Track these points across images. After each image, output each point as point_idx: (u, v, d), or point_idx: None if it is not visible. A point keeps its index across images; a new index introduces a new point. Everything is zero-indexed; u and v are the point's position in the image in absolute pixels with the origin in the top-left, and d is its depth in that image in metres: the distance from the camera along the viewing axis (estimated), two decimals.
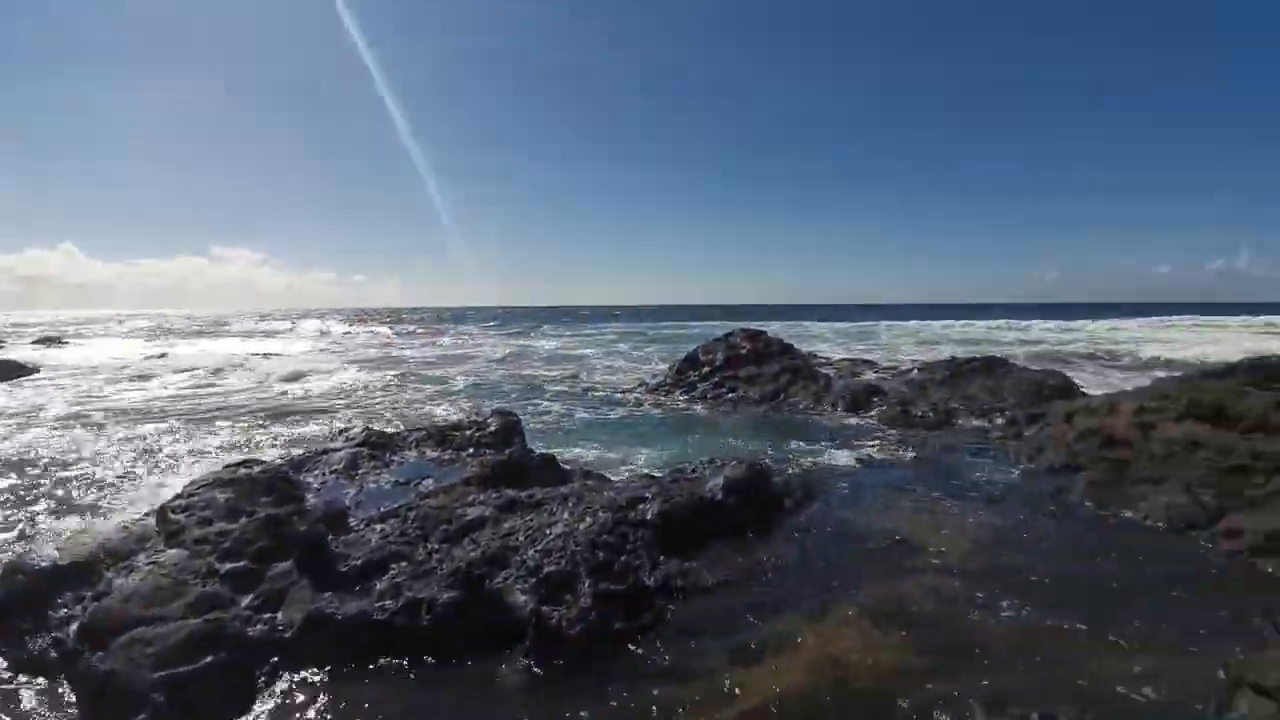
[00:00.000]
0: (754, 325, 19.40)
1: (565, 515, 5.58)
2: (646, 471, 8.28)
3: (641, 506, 5.82)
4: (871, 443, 10.16)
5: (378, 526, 5.84)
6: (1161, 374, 16.50)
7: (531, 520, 5.64)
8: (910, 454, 9.36)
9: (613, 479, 7.72)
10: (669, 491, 6.24)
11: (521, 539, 5.29)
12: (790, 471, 8.09)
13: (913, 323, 57.42)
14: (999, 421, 11.01)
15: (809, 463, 8.95)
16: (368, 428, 9.69)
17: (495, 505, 6.05)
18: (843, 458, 9.22)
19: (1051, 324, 50.17)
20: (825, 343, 34.33)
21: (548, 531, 5.30)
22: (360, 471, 7.67)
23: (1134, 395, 8.92)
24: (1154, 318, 55.78)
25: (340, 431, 9.97)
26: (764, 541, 6.08)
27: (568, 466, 8.34)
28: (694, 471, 7.31)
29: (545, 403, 15.76)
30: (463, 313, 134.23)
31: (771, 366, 14.63)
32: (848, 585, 5.10)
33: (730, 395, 14.31)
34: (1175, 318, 54.80)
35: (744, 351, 15.49)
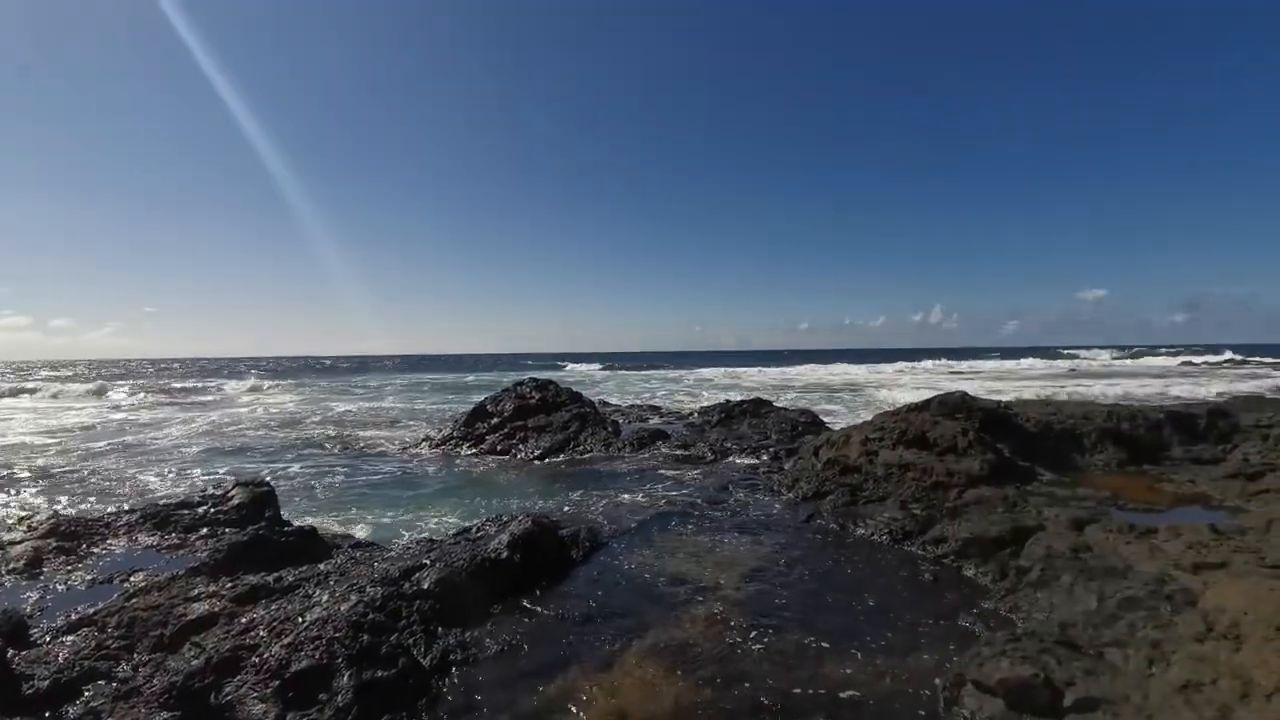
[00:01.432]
0: (543, 374, 19.50)
1: (324, 597, 4.89)
2: (428, 535, 7.67)
3: (418, 575, 5.35)
4: (657, 485, 10.63)
5: (68, 638, 4.61)
6: (886, 408, 19.97)
7: (279, 609, 4.84)
8: (690, 493, 9.96)
9: (388, 548, 7.01)
10: (450, 555, 5.84)
11: (264, 634, 4.49)
12: (581, 521, 8.09)
13: (708, 370, 62.37)
14: (764, 457, 12.29)
15: (598, 510, 9.06)
16: (56, 513, 7.66)
17: (230, 597, 5.10)
18: (630, 502, 9.50)
19: (805, 368, 58.85)
20: (615, 390, 35.77)
21: (300, 619, 4.58)
22: (45, 570, 6.06)
23: (861, 428, 10.58)
24: (877, 364, 67.71)
25: (21, 520, 7.79)
26: (552, 597, 5.95)
27: (336, 539, 7.41)
28: (479, 531, 6.98)
29: (311, 464, 13.97)
30: (220, 364, 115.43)
31: (561, 415, 14.73)
32: (633, 632, 5.16)
33: (521, 446, 14.06)
34: (890, 365, 67.00)
35: (533, 401, 15.41)
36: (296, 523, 7.85)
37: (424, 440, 16.13)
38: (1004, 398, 15.21)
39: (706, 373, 54.45)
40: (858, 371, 53.15)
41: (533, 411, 15.09)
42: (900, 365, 62.02)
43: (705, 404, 22.21)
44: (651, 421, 18.56)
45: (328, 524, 9.06)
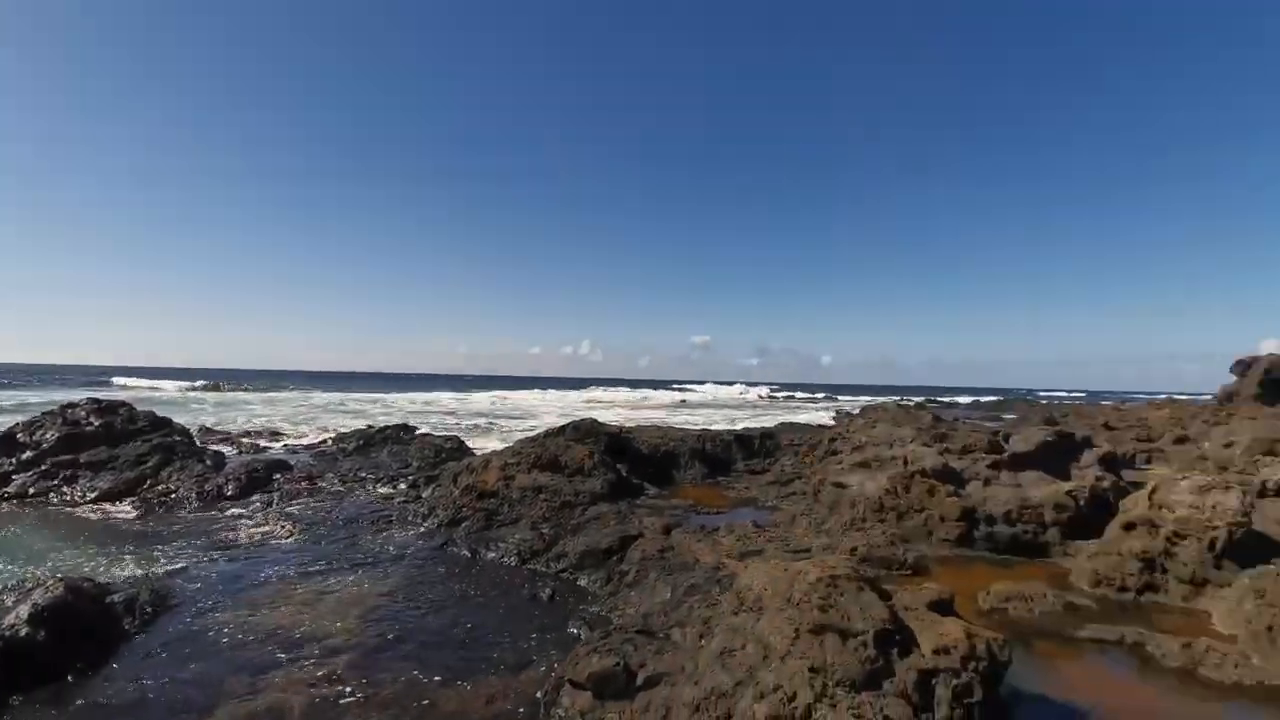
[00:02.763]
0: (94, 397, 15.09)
1: None
2: None
3: None
4: (265, 527, 9.13)
5: None
6: (537, 426, 21.03)
7: None
8: (309, 532, 8.83)
9: None
10: None
11: None
12: (142, 581, 6.42)
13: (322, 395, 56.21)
14: (402, 486, 11.69)
15: (180, 562, 7.33)
16: None
17: None
18: (224, 550, 7.93)
19: (463, 394, 58.45)
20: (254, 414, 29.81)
21: None
22: None
23: (502, 453, 10.94)
24: (535, 389, 71.30)
25: None
26: (92, 682, 4.62)
27: None
28: None
29: None
30: None
31: (134, 446, 11.56)
32: (205, 706, 4.28)
33: (67, 488, 10.57)
34: (549, 391, 71.32)
35: (91, 428, 11.79)
36: None
37: None
38: (628, 424, 17.57)
39: (350, 397, 49.61)
40: (518, 396, 55.10)
41: (90, 442, 11.48)
42: (556, 391, 66.48)
43: (343, 430, 20.18)
44: (272, 450, 16.02)
45: None
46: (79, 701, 4.33)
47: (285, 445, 17.56)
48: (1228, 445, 12.80)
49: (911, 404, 39.38)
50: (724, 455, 14.96)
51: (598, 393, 70.37)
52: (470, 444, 17.09)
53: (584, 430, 13.51)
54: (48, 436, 11.44)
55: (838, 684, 3.68)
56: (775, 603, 4.46)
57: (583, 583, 7.15)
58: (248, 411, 32.05)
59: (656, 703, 4.00)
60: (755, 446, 16.21)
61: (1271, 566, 5.85)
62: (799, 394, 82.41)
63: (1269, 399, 26.80)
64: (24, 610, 4.85)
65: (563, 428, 13.67)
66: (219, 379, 65.93)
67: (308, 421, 27.72)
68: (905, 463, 9.79)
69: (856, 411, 30.15)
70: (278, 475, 11.80)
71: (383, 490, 11.56)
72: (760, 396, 73.43)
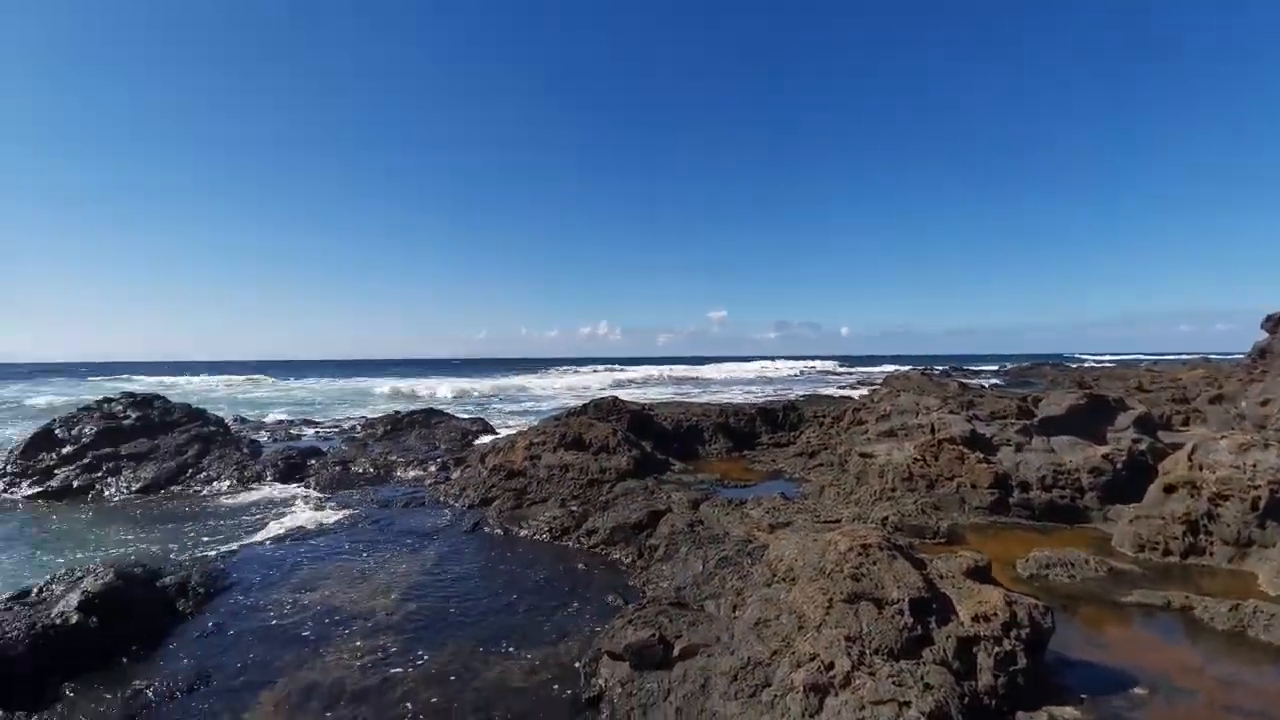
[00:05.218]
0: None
1: None
2: None
3: None
4: (305, 510, 9.36)
5: None
6: (557, 407, 21.18)
7: None
8: (348, 515, 9.03)
9: None
10: None
11: None
12: (193, 564, 6.63)
13: (367, 380, 57.13)
14: (432, 469, 11.87)
15: (225, 548, 7.56)
16: None
17: None
18: (268, 534, 8.15)
19: (484, 378, 59.20)
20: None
21: None
22: None
23: (526, 433, 11.04)
24: (552, 370, 71.82)
25: None
26: (148, 663, 4.80)
27: None
28: (40, 593, 5.26)
29: None
30: None
31: (174, 437, 11.88)
32: (260, 684, 4.43)
33: (110, 480, 10.91)
34: (562, 369, 71.79)
35: (129, 422, 12.11)
36: None
37: None
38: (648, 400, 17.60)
39: (374, 382, 50.38)
40: (536, 379, 55.48)
41: (129, 435, 11.81)
42: (577, 368, 66.84)
43: (371, 415, 20.52)
44: (305, 438, 16.36)
45: None
46: (136, 682, 4.48)
47: (317, 432, 17.93)
48: (1264, 403, 12.41)
49: (936, 372, 38.87)
50: (748, 429, 14.92)
51: (616, 372, 70.56)
52: (493, 425, 17.28)
53: (605, 408, 13.56)
54: (86, 431, 11.78)
55: (875, 652, 3.68)
56: (808, 573, 4.45)
57: (614, 557, 7.22)
58: (278, 401, 32.77)
59: (694, 673, 4.04)
60: (779, 419, 16.14)
61: None
62: (819, 365, 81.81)
63: None
64: (74, 598, 4.97)
65: (584, 407, 13.73)
66: (248, 372, 67.42)
67: (336, 408, 28.26)
68: (933, 430, 9.67)
69: (879, 382, 29.86)
70: (312, 461, 12.05)
71: (413, 473, 11.75)
72: (780, 370, 73.01)
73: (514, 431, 13.41)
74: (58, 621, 4.79)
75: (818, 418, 16.71)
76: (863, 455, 9.72)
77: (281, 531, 8.23)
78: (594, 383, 47.04)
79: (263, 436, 16.35)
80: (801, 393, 29.22)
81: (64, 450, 11.47)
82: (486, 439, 14.27)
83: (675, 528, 7.14)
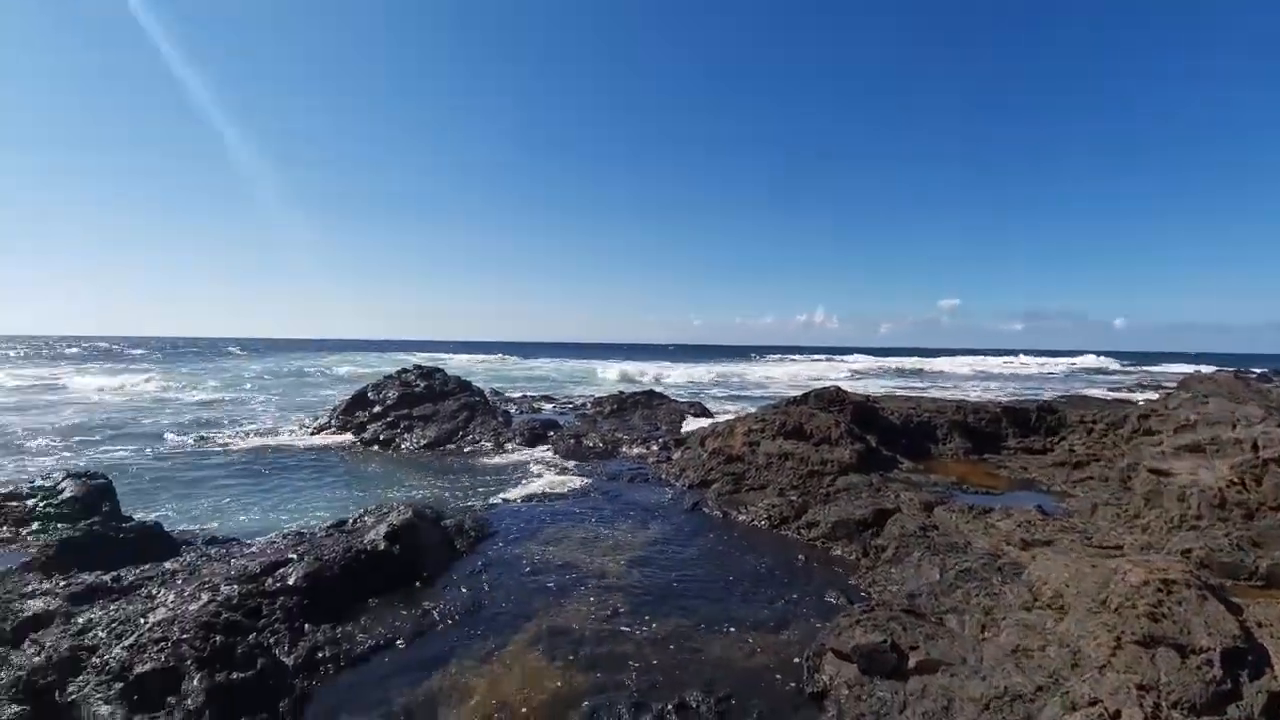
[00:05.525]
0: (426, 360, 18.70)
1: (170, 597, 4.44)
2: (297, 529, 7.16)
3: (282, 571, 4.98)
4: (548, 475, 10.56)
5: None
6: (770, 395, 21.00)
7: (118, 609, 4.34)
8: (582, 483, 9.98)
9: (249, 544, 6.47)
10: (321, 549, 5.48)
11: (103, 634, 4.02)
12: (467, 512, 7.88)
13: (600, 363, 62.42)
14: (654, 448, 12.54)
15: (487, 500, 8.87)
16: None
17: (65, 595, 4.53)
18: (519, 492, 9.37)
19: (704, 365, 61.06)
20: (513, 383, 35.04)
21: (142, 620, 4.13)
22: None
23: (744, 419, 11.07)
24: (768, 357, 71.22)
25: None
26: (433, 589, 5.76)
27: (185, 535, 6.75)
28: (355, 524, 6.62)
29: (162, 455, 12.58)
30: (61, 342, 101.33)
31: (449, 404, 14.23)
32: (518, 620, 5.11)
33: (405, 435, 13.44)
34: (777, 356, 70.70)
35: (419, 389, 14.77)
36: (143, 517, 7.07)
37: (298, 428, 15.02)
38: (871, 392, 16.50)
39: (600, 365, 54.73)
40: (748, 367, 55.53)
41: (418, 400, 14.45)
42: (792, 356, 65.50)
43: (598, 394, 22.33)
44: (544, 412, 18.38)
45: (178, 519, 8.25)
46: (425, 604, 5.43)
47: (554, 407, 20.05)
48: None
49: (1253, 375, 30.59)
50: (990, 430, 13.20)
51: (834, 361, 67.40)
52: (710, 409, 17.65)
53: (827, 398, 13.00)
54: (389, 395, 14.66)
55: (1173, 705, 3.05)
56: (1083, 603, 3.84)
57: (836, 553, 6.96)
58: (519, 378, 37.24)
59: (934, 690, 3.73)
60: (1031, 421, 14.00)
61: None
62: (1080, 362, 69.26)
63: None
64: (382, 529, 6.06)
65: (805, 395, 13.31)
66: (495, 351, 78.32)
67: (567, 386, 31.27)
68: (1255, 448, 7.61)
69: (1175, 386, 24.32)
70: (551, 432, 13.54)
71: (637, 450, 12.54)
72: (1028, 365, 63.42)
73: (730, 417, 13.56)
74: (368, 547, 5.70)
75: (1084, 423, 14.19)
76: (1154, 472, 8.02)
77: (528, 492, 9.39)
78: (810, 372, 45.62)
79: (510, 408, 18.75)
80: (1058, 393, 25.09)
81: (374, 410, 14.43)
82: (705, 422, 14.65)
83: (905, 529, 6.63)
